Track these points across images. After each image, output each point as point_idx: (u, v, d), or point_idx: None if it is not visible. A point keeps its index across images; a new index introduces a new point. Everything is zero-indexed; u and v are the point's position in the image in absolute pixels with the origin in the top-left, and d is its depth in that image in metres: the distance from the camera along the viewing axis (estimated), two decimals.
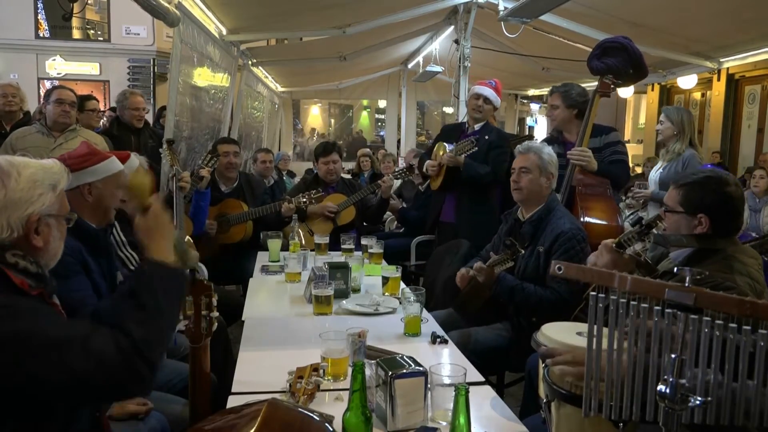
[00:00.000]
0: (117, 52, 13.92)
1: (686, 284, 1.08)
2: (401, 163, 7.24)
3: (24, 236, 1.30)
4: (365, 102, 18.64)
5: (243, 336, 2.21)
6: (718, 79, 9.08)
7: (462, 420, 1.30)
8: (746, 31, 4.92)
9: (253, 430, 1.15)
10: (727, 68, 7.18)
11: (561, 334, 1.70)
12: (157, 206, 1.48)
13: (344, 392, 1.68)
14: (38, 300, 1.31)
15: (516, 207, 2.77)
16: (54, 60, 13.75)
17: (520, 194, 2.64)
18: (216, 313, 1.66)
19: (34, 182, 1.32)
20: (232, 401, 1.63)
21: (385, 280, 2.76)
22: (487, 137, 3.76)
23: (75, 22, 14.03)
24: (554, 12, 4.56)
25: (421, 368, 1.55)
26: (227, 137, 5.00)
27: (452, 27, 5.77)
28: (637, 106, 12.86)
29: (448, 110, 15.34)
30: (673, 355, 1.06)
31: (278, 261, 3.39)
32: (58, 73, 13.68)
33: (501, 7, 4.78)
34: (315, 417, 1.28)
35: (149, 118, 5.19)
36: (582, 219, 2.95)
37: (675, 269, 1.21)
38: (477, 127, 3.84)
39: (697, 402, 1.05)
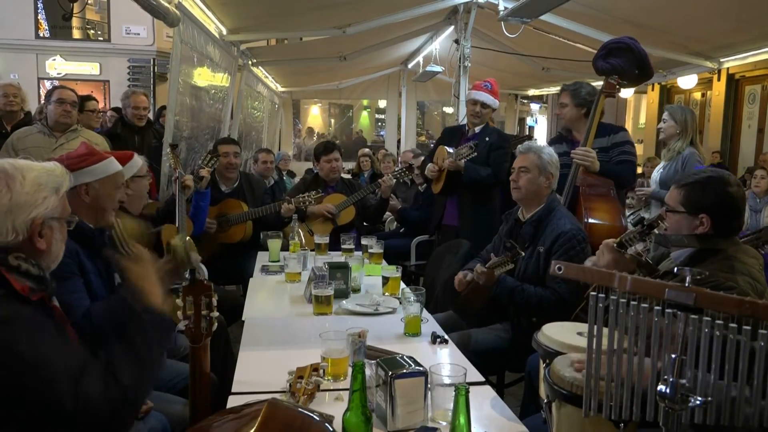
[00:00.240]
0: (117, 52, 13.92)
1: (686, 284, 1.08)
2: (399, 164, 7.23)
3: (28, 239, 1.31)
4: (365, 102, 18.64)
5: (243, 336, 2.21)
6: (718, 79, 9.08)
7: (462, 420, 1.30)
8: (746, 31, 4.91)
9: (253, 430, 1.14)
10: (727, 68, 7.19)
11: (561, 334, 1.70)
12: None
13: (344, 392, 1.68)
14: (39, 307, 1.31)
15: (516, 207, 2.78)
16: (54, 60, 13.76)
17: (518, 193, 2.65)
18: (216, 313, 1.66)
19: (38, 185, 1.32)
20: (232, 401, 1.63)
21: (385, 280, 2.76)
22: (487, 139, 3.76)
23: (75, 22, 14.03)
24: (554, 12, 4.56)
25: (421, 368, 1.55)
26: (228, 137, 5.00)
27: (452, 27, 5.77)
28: (638, 106, 12.86)
29: (448, 110, 15.36)
30: (673, 355, 1.06)
31: (278, 261, 3.39)
32: (58, 73, 13.68)
33: (501, 7, 4.77)
34: (315, 417, 1.27)
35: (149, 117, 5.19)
36: (586, 219, 2.95)
37: (675, 269, 1.21)
38: (477, 129, 3.84)
39: (697, 402, 1.05)
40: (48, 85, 13.07)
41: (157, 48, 13.78)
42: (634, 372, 1.11)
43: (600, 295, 1.13)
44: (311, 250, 3.38)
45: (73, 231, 1.51)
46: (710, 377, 1.05)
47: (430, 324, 2.33)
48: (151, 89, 13.59)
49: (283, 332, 2.28)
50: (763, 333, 1.00)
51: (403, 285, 2.78)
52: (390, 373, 1.50)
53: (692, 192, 1.81)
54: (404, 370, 1.52)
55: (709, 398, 1.05)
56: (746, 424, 1.07)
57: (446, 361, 1.97)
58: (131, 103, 4.56)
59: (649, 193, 3.91)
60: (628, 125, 12.32)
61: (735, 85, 9.35)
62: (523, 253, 2.45)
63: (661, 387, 1.07)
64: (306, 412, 1.32)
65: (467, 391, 1.31)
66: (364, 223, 4.71)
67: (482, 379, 1.88)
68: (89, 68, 14.07)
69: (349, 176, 5.77)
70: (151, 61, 13.97)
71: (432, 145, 4.92)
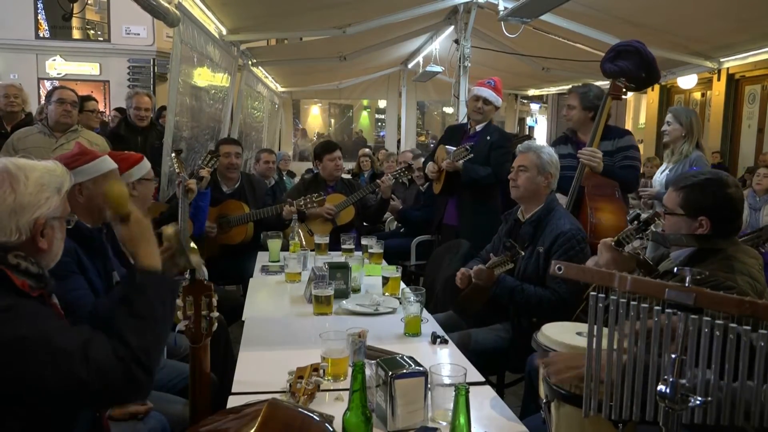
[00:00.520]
0: (117, 52, 13.93)
1: (686, 284, 1.08)
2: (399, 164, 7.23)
3: (31, 239, 1.31)
4: (365, 102, 18.64)
5: (243, 336, 2.21)
6: (718, 79, 9.08)
7: (462, 420, 1.30)
8: (746, 31, 4.91)
9: (253, 430, 1.15)
10: (727, 68, 7.18)
11: (561, 334, 1.70)
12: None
13: (344, 392, 1.68)
14: (39, 302, 1.32)
15: (516, 207, 2.78)
16: (54, 60, 13.77)
17: (517, 192, 2.66)
18: (216, 313, 1.66)
19: (41, 186, 1.33)
20: (232, 401, 1.63)
21: (385, 280, 2.76)
22: (488, 138, 3.75)
23: (75, 22, 14.04)
24: (554, 12, 4.56)
25: (421, 368, 1.55)
26: (229, 138, 5.00)
27: (452, 27, 5.77)
28: (638, 107, 12.86)
29: (448, 110, 15.35)
30: (673, 355, 1.06)
31: (278, 261, 3.39)
32: (58, 74, 13.69)
33: (501, 7, 4.77)
34: (315, 417, 1.28)
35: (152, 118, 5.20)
36: (591, 219, 2.95)
37: (675, 269, 1.21)
38: (479, 128, 3.83)
39: (697, 402, 1.05)
40: (48, 85, 13.09)
41: (157, 48, 13.78)
42: (634, 372, 1.11)
43: (600, 295, 1.13)
44: (311, 250, 3.38)
45: (71, 230, 1.52)
46: (710, 377, 1.05)
47: (430, 324, 2.33)
48: (151, 89, 13.59)
49: (283, 332, 2.28)
50: (763, 333, 1.00)
51: (403, 285, 2.78)
52: (390, 373, 1.50)
53: (691, 194, 1.80)
54: (404, 370, 1.52)
55: (709, 398, 1.05)
56: (746, 424, 1.07)
57: (446, 361, 1.97)
58: (133, 103, 4.57)
59: (654, 194, 3.90)
60: (628, 125, 12.32)
61: (735, 85, 9.35)
62: (523, 253, 2.46)
63: (661, 387, 1.07)
64: (306, 412, 1.32)
65: (467, 391, 1.31)
66: (364, 223, 4.71)
67: (482, 379, 1.88)
68: (89, 68, 14.08)
69: (349, 176, 5.77)
70: (151, 61, 13.98)
71: (432, 145, 4.92)
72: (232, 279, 3.90)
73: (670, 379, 1.06)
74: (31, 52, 13.55)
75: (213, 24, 4.77)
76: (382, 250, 3.36)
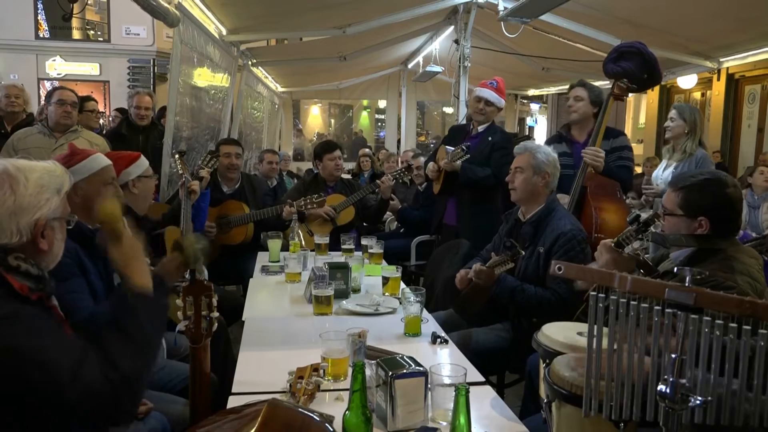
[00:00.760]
0: (117, 53, 13.92)
1: (686, 284, 1.08)
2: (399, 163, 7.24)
3: (31, 240, 1.31)
4: (365, 102, 18.63)
5: (243, 336, 2.21)
6: (718, 79, 9.07)
7: (462, 420, 1.30)
8: (746, 30, 4.91)
9: (253, 430, 1.15)
10: (727, 68, 7.18)
11: (561, 334, 1.70)
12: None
13: (344, 392, 1.68)
14: (38, 305, 1.32)
15: (517, 208, 2.78)
16: (54, 60, 13.76)
17: (515, 194, 2.67)
18: (216, 314, 1.66)
19: (41, 187, 1.33)
20: (233, 401, 1.63)
21: (385, 280, 2.76)
22: (490, 138, 3.75)
23: (75, 22, 14.04)
24: (554, 12, 4.56)
25: (421, 368, 1.55)
26: (230, 138, 5.01)
27: (452, 27, 5.77)
28: (637, 106, 12.85)
29: (448, 110, 15.36)
30: (673, 355, 1.06)
31: (278, 261, 3.39)
32: (58, 74, 13.69)
33: (501, 7, 4.77)
34: (315, 417, 1.28)
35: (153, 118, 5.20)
36: (596, 219, 2.96)
37: (675, 269, 1.21)
38: (481, 128, 3.82)
39: (697, 402, 1.05)
40: (48, 85, 13.09)
41: (157, 48, 13.78)
42: (634, 372, 1.11)
43: (600, 295, 1.13)
44: (311, 250, 3.38)
45: (72, 231, 1.52)
46: (710, 377, 1.05)
47: (430, 324, 2.33)
48: (151, 90, 13.58)
49: (283, 332, 2.28)
50: (763, 333, 1.00)
51: (403, 285, 2.78)
52: (390, 373, 1.50)
53: (690, 195, 1.80)
54: (404, 370, 1.52)
55: (709, 398, 1.05)
56: (746, 424, 1.07)
57: (446, 361, 1.97)
58: (134, 102, 4.59)
59: (659, 192, 3.89)
60: (628, 125, 12.32)
61: (735, 84, 9.35)
62: (524, 252, 2.45)
63: (661, 387, 1.07)
64: (306, 412, 1.32)
65: (467, 391, 1.31)
66: (364, 224, 4.70)
67: (482, 379, 1.88)
68: (89, 69, 14.07)
69: (349, 176, 5.77)
70: (151, 61, 13.98)
71: (432, 145, 4.92)
72: (232, 279, 3.90)
73: (670, 379, 1.06)
74: (31, 52, 13.55)
75: (213, 24, 4.77)
76: (382, 251, 3.36)
